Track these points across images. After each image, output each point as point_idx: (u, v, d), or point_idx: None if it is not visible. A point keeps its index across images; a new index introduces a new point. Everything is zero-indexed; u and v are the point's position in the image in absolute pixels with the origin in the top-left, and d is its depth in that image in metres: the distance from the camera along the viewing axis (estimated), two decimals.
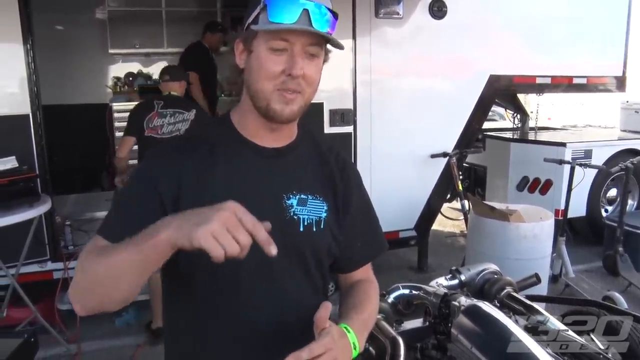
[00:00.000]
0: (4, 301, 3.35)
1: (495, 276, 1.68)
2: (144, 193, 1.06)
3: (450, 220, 5.81)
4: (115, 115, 5.46)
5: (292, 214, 1.12)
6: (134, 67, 6.44)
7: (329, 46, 1.09)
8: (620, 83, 5.45)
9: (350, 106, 4.14)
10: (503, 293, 1.62)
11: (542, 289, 3.18)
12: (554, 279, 4.22)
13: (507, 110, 6.57)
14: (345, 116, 4.13)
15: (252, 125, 1.13)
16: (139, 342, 3.49)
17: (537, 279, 1.82)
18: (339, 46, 1.07)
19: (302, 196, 1.13)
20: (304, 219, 1.12)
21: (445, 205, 5.43)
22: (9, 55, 3.35)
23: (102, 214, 4.45)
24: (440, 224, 5.76)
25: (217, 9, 5.99)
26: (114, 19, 5.80)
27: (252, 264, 1.04)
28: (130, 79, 6.28)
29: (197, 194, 1.05)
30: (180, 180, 1.05)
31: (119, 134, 5.44)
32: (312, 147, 1.21)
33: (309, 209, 1.13)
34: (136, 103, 3.78)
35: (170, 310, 1.19)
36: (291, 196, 1.12)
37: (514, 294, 1.64)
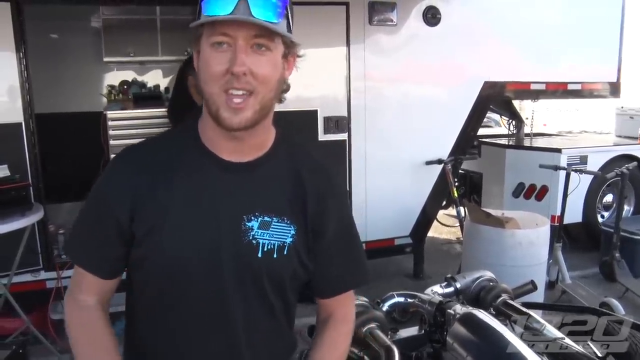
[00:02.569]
0: None
1: (491, 283, 1.67)
2: (101, 215, 1.06)
3: (446, 227, 5.79)
4: (110, 123, 5.42)
5: (250, 237, 1.04)
6: (129, 75, 6.40)
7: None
8: (615, 89, 5.47)
9: (345, 113, 4.14)
10: (499, 301, 1.61)
11: (538, 296, 3.17)
12: (550, 285, 4.20)
13: (503, 116, 6.57)
14: (340, 123, 4.12)
15: (211, 135, 1.04)
16: None
17: (533, 286, 1.81)
18: (287, 37, 0.98)
19: (266, 219, 1.05)
20: (264, 243, 1.05)
21: (441, 212, 5.42)
22: (2, 64, 3.33)
23: None
24: (436, 231, 5.74)
25: None
26: (108, 27, 5.77)
27: (203, 288, 1.05)
28: (125, 87, 6.25)
29: (154, 209, 1.01)
30: (133, 202, 1.02)
31: (113, 142, 5.41)
32: (289, 163, 1.11)
33: (272, 233, 1.05)
34: None
35: (128, 324, 1.18)
36: (252, 218, 1.04)
37: (510, 301, 1.63)
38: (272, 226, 1.06)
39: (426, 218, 4.62)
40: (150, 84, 6.09)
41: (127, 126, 5.34)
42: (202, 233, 1.03)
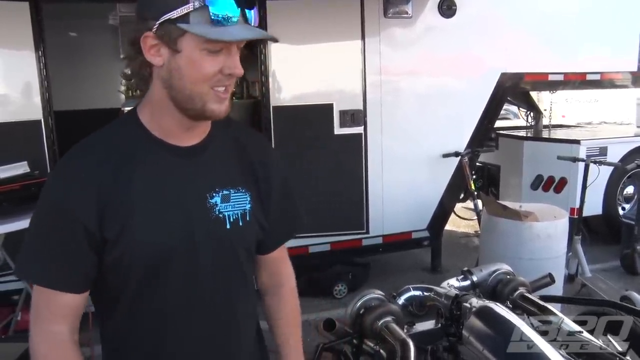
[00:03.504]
0: (18, 305, 3.38)
1: (508, 277, 1.65)
2: (64, 226, 0.99)
3: (463, 220, 5.75)
4: None
5: (216, 212, 1.09)
6: None
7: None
8: (635, 78, 5.38)
9: (360, 107, 4.13)
10: (516, 294, 1.60)
11: (557, 289, 3.14)
12: (570, 278, 4.16)
13: (520, 108, 6.50)
14: (356, 117, 4.11)
15: (166, 125, 1.05)
16: None
17: (551, 279, 1.79)
18: (274, 39, 1.04)
19: (225, 192, 1.10)
20: (229, 215, 1.10)
21: (459, 205, 5.39)
22: (21, 62, 3.40)
23: None
24: (453, 224, 5.72)
25: None
26: (125, 24, 5.83)
27: (183, 272, 1.07)
28: None
29: (122, 208, 1.00)
30: (99, 204, 0.99)
31: None
32: (227, 137, 1.16)
33: (233, 204, 1.11)
34: None
35: (104, 325, 1.15)
36: (214, 194, 1.09)
37: (527, 294, 1.61)
38: (231, 198, 1.11)
39: (443, 211, 4.60)
40: None
41: None
42: (174, 219, 1.05)
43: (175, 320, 1.10)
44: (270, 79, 3.98)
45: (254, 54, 5.66)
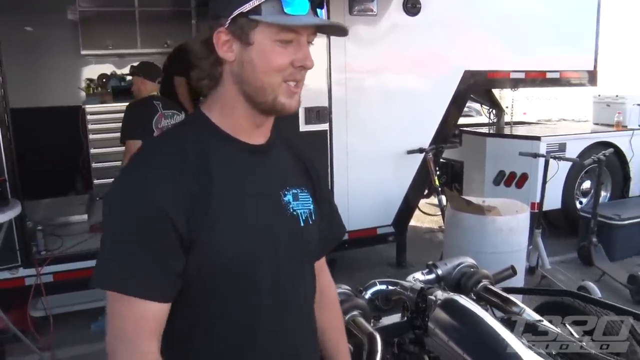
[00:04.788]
0: None
1: (472, 269, 1.69)
2: (157, 230, 0.92)
3: (428, 216, 5.82)
4: (89, 117, 5.37)
5: (291, 210, 1.08)
6: (107, 68, 6.33)
7: None
8: (592, 77, 5.55)
9: (326, 104, 4.13)
10: (479, 286, 1.63)
11: (518, 281, 3.21)
12: (530, 271, 4.27)
13: (483, 105, 6.63)
14: (321, 114, 4.11)
15: (239, 122, 1.04)
16: None
17: (513, 271, 1.83)
18: (345, 30, 1.05)
19: (294, 190, 1.10)
20: (300, 213, 1.10)
21: (423, 201, 5.45)
22: None
23: (76, 218, 4.38)
24: (418, 220, 5.78)
25: (191, 8, 5.91)
26: (85, 20, 5.68)
27: (269, 272, 1.04)
28: (104, 80, 6.18)
29: (208, 208, 0.96)
30: (188, 202, 0.94)
31: (92, 136, 5.36)
32: (283, 140, 1.18)
33: (301, 203, 1.11)
34: (131, 103, 3.56)
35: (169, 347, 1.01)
36: (286, 192, 1.09)
37: (490, 286, 1.65)
38: (299, 197, 1.11)
39: (408, 207, 4.65)
40: (130, 77, 6.00)
41: (106, 120, 5.30)
42: (258, 217, 1.02)
43: (264, 332, 1.04)
44: None
45: None
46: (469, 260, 1.74)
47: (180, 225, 0.93)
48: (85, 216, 4.42)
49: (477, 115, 8.73)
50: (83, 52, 5.87)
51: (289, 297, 1.08)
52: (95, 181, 5.29)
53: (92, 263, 0.97)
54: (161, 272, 0.93)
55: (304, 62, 1.00)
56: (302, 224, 1.09)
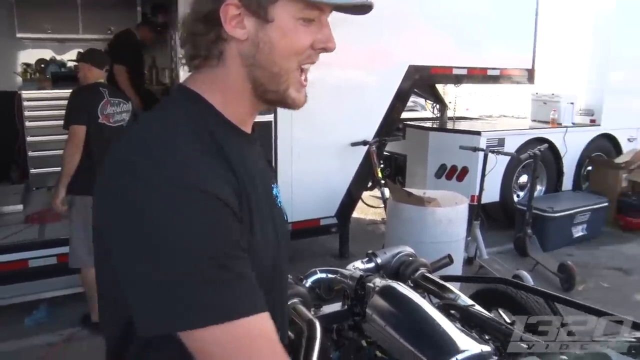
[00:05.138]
0: None
1: (410, 258, 1.74)
2: (227, 224, 0.78)
3: (371, 208, 5.90)
4: (25, 104, 5.14)
5: (280, 204, 1.01)
6: (47, 53, 6.07)
7: None
8: (530, 75, 5.80)
9: None
10: (417, 274, 1.68)
11: (456, 270, 3.34)
12: (469, 261, 4.43)
13: (427, 100, 6.78)
14: None
15: (242, 110, 0.91)
16: (52, 342, 3.33)
17: (449, 260, 1.90)
18: (371, 5, 0.93)
19: (275, 184, 1.03)
20: (283, 207, 1.03)
21: (367, 194, 5.53)
22: None
23: (11, 208, 4.22)
24: (361, 212, 5.87)
25: None
26: (21, 1, 5.43)
27: (274, 264, 0.94)
28: (42, 65, 5.93)
29: (248, 206, 0.84)
30: (236, 197, 0.81)
31: (29, 123, 5.13)
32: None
33: (280, 197, 1.03)
34: (76, 89, 3.44)
35: None
36: (273, 185, 1.01)
37: (428, 274, 1.71)
38: (278, 191, 1.03)
39: (351, 199, 4.72)
40: (70, 64, 5.78)
41: (44, 107, 5.09)
42: (270, 215, 0.93)
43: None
44: (181, 66, 3.88)
45: (165, 40, 5.49)
46: (408, 250, 1.79)
47: (241, 220, 0.81)
48: (20, 206, 4.26)
49: (421, 110, 8.93)
50: (19, 35, 5.60)
51: (283, 296, 1.05)
52: (32, 170, 5.07)
53: (26, 254, 0.91)
54: (253, 279, 0.79)
55: (326, 44, 0.88)
56: (285, 218, 1.04)
